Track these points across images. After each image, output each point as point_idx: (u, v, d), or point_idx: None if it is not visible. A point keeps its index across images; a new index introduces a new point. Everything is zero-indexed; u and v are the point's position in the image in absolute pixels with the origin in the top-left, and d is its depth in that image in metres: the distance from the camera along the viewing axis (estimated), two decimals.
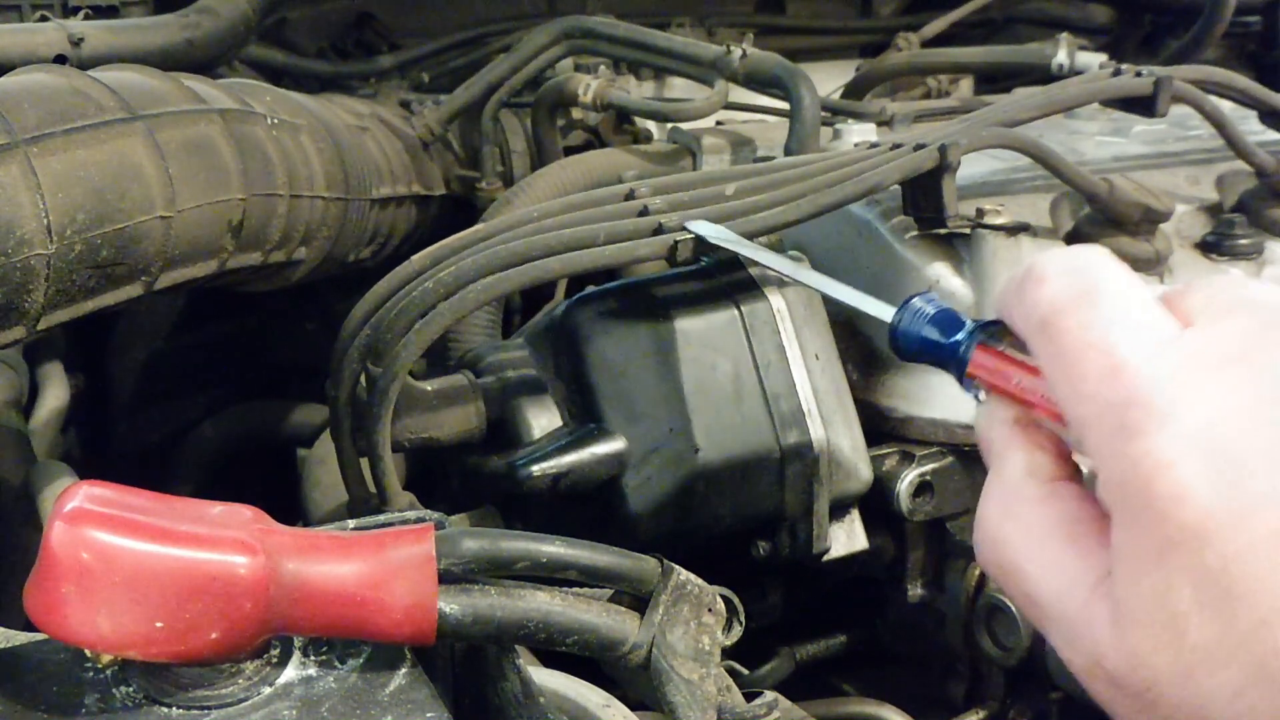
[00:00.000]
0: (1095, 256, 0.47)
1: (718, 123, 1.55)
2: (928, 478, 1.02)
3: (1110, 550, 0.43)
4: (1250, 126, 1.29)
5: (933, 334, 0.54)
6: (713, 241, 0.90)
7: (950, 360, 0.53)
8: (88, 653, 0.49)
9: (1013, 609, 0.98)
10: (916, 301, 0.55)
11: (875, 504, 1.02)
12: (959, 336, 0.53)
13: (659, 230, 0.92)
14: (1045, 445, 0.49)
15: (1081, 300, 0.45)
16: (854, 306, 0.65)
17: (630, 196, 0.98)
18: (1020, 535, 0.47)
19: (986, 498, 0.49)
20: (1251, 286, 0.46)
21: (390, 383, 0.87)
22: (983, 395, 0.53)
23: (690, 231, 0.92)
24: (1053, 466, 0.49)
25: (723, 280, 1.00)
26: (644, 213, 0.95)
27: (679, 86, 1.77)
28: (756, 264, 0.94)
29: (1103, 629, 0.43)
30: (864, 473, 1.00)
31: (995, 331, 0.52)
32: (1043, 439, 0.49)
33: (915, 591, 1.08)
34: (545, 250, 0.91)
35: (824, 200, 0.98)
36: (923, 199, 1.05)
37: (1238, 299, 0.45)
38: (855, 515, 1.02)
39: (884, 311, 0.58)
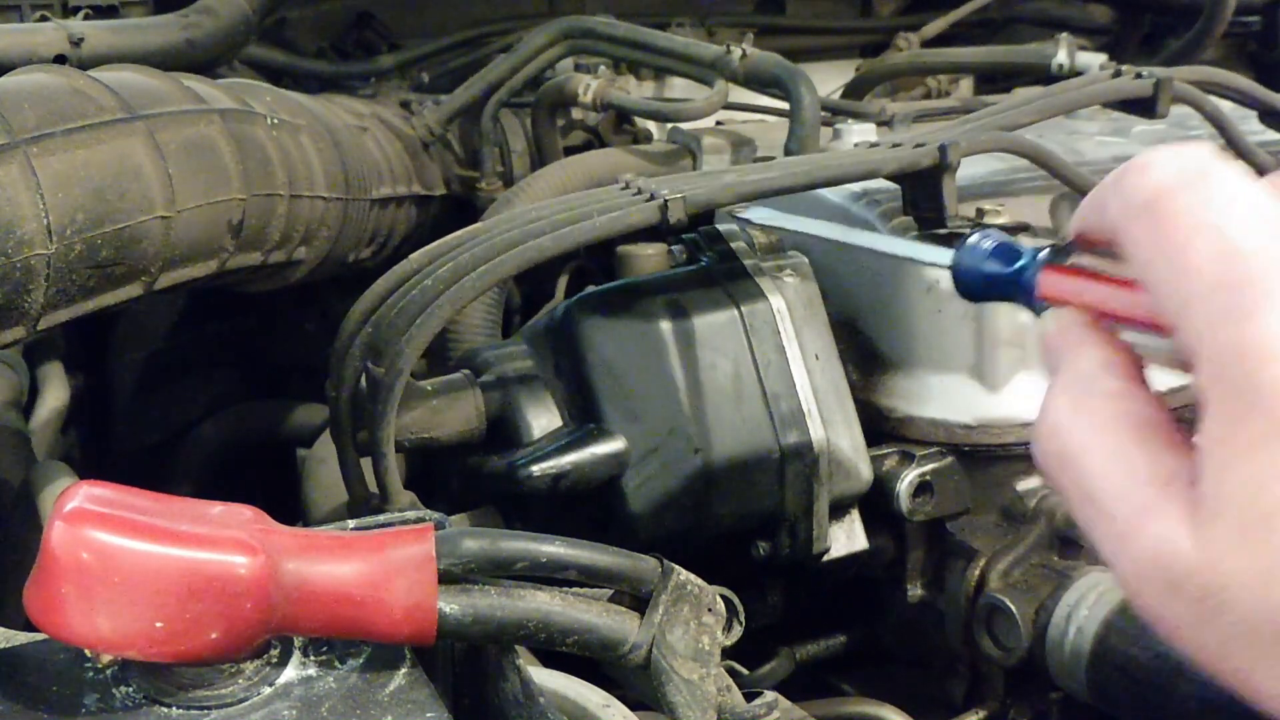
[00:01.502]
0: (1206, 149, 0.45)
1: (718, 123, 1.55)
2: (928, 478, 1.02)
3: (1197, 442, 0.41)
4: (1250, 126, 1.29)
5: (995, 266, 0.53)
6: (760, 223, 0.88)
7: (1017, 287, 0.52)
8: (88, 653, 0.49)
9: (1013, 609, 0.98)
10: (972, 239, 0.54)
11: (875, 504, 1.02)
12: (1022, 262, 0.52)
13: (651, 200, 0.92)
14: (1120, 347, 0.47)
15: (1194, 183, 0.43)
16: (911, 257, 0.64)
17: (625, 187, 0.98)
18: (1087, 425, 0.45)
19: (1054, 390, 0.47)
20: None
21: (394, 380, 0.86)
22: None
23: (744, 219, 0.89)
24: (1128, 366, 0.46)
25: (723, 280, 1.00)
26: (637, 194, 0.95)
27: (679, 86, 1.77)
28: (803, 233, 0.90)
29: (1172, 525, 0.40)
30: (864, 473, 1.00)
31: (1060, 253, 0.51)
32: (1118, 342, 0.47)
33: (915, 591, 1.08)
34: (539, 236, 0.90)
35: (820, 175, 0.98)
36: (923, 199, 1.05)
37: None
38: (855, 515, 1.02)
39: (942, 255, 0.57)
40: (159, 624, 0.47)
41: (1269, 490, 0.38)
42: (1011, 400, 1.05)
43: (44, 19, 1.24)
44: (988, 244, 0.54)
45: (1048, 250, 0.51)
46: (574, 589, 0.57)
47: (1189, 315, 0.42)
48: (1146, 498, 0.42)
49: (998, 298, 0.54)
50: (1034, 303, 0.52)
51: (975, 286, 0.55)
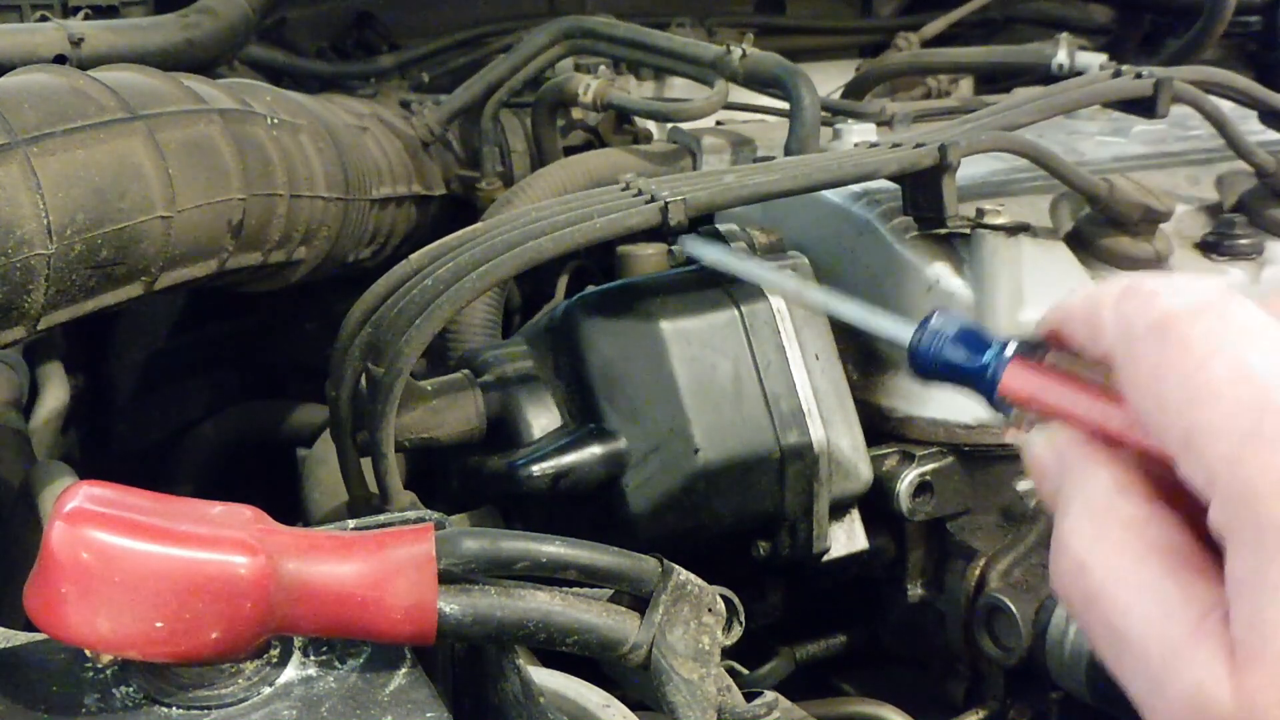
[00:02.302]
0: (1217, 282, 0.43)
1: (718, 123, 1.55)
2: (928, 478, 1.02)
3: (1226, 579, 0.39)
4: (1250, 126, 1.29)
5: (957, 353, 0.51)
6: (709, 264, 0.88)
7: (979, 379, 0.50)
8: (88, 653, 0.49)
9: (1013, 609, 0.98)
10: (937, 319, 0.51)
11: (875, 504, 1.02)
12: (987, 355, 0.49)
13: (651, 202, 0.92)
14: (1131, 462, 0.44)
15: (1207, 310, 0.41)
16: (867, 328, 0.60)
17: (625, 188, 0.98)
18: (1113, 559, 0.42)
19: (1068, 519, 0.44)
20: None
21: (394, 380, 0.86)
22: (1017, 421, 0.49)
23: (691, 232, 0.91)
24: (1146, 485, 0.43)
25: (723, 280, 1.00)
26: (637, 195, 0.95)
27: (679, 86, 1.77)
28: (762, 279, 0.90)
29: (1210, 668, 0.38)
30: (864, 473, 1.00)
31: (1029, 349, 0.49)
32: (1127, 456, 0.44)
33: (915, 591, 1.08)
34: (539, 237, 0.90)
35: (819, 177, 0.99)
36: (923, 199, 1.05)
37: None
38: (855, 515, 1.02)
39: (901, 332, 0.54)
40: (159, 624, 0.47)
41: None
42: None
43: (44, 19, 1.24)
44: (951, 327, 0.51)
45: (1016, 344, 0.49)
46: (574, 589, 0.57)
47: (1201, 443, 0.40)
48: (1181, 637, 0.39)
49: (956, 383, 0.51)
50: (994, 399, 0.49)
51: (931, 369, 0.51)
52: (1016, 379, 0.48)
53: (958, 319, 0.51)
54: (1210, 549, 0.41)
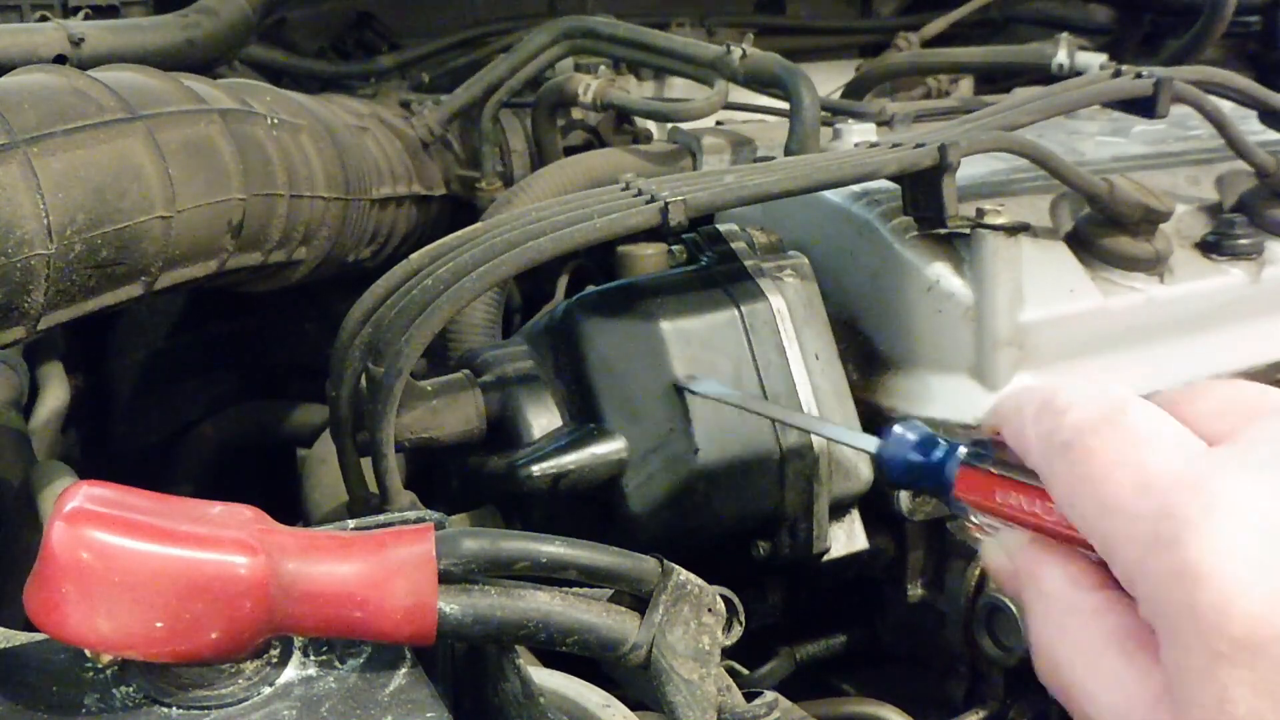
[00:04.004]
0: (1118, 386, 0.47)
1: (718, 123, 1.55)
2: (879, 468, 1.02)
3: (1164, 666, 0.42)
4: (1250, 126, 1.29)
5: (916, 458, 0.56)
6: (712, 398, 0.92)
7: (938, 481, 0.55)
8: (88, 653, 0.49)
9: (1013, 609, 0.98)
10: (898, 429, 0.57)
11: (875, 504, 1.02)
12: (940, 456, 0.55)
13: (651, 202, 0.92)
14: (1078, 556, 0.48)
15: (1108, 422, 0.45)
16: (837, 440, 0.71)
17: (625, 188, 0.98)
18: (1076, 653, 0.46)
19: (1034, 619, 0.48)
20: (1263, 392, 0.46)
21: (394, 380, 0.86)
22: (974, 517, 0.54)
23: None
24: (1096, 574, 0.47)
25: (723, 280, 1.00)
26: (637, 196, 0.95)
27: (679, 86, 1.77)
28: (754, 409, 0.94)
29: None
30: (864, 473, 1.00)
31: (979, 453, 0.53)
32: (1073, 550, 0.48)
33: (915, 591, 1.08)
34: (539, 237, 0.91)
35: (819, 177, 0.98)
36: (923, 199, 1.05)
37: (1255, 405, 0.45)
38: (855, 515, 1.02)
39: (868, 443, 0.60)
40: (159, 624, 0.47)
41: (1232, 708, 0.39)
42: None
43: (44, 19, 1.24)
44: (912, 435, 0.56)
45: (966, 450, 0.54)
46: (574, 589, 0.57)
47: (1119, 549, 0.43)
48: (1141, 718, 0.43)
49: (919, 487, 0.57)
50: (951, 500, 0.54)
51: (896, 473, 0.57)
52: (965, 484, 0.53)
53: (919, 427, 0.57)
54: None
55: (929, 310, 1.06)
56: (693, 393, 0.93)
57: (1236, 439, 0.44)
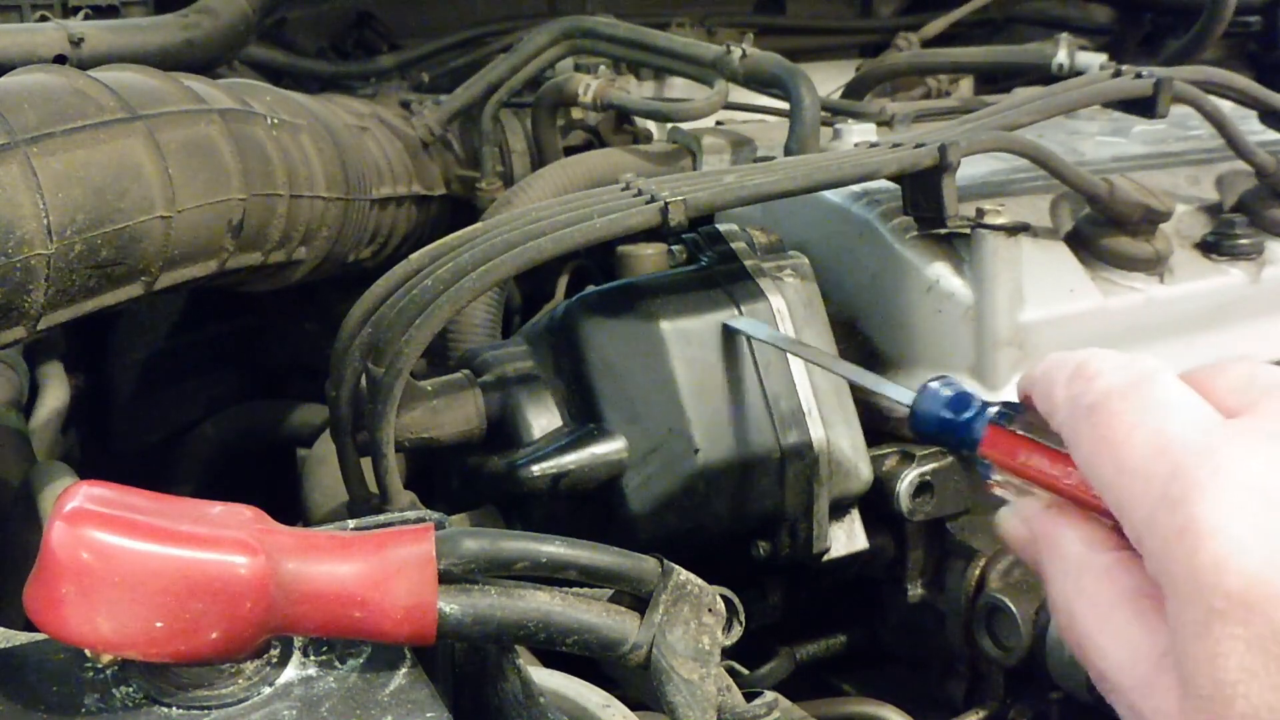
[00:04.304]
0: (1148, 358, 0.49)
1: (718, 123, 1.55)
2: (928, 478, 1.02)
3: (1168, 621, 0.44)
4: (1250, 126, 1.29)
5: (947, 414, 0.58)
6: (755, 338, 0.94)
7: (963, 439, 0.57)
8: (88, 653, 0.49)
9: (1013, 609, 0.98)
10: (933, 384, 0.59)
11: (875, 504, 1.02)
12: (970, 414, 0.57)
13: (651, 202, 0.92)
14: (1095, 518, 0.50)
15: (1134, 388, 0.47)
16: (875, 390, 0.71)
17: (625, 188, 0.98)
18: (1089, 609, 0.48)
19: (1051, 579, 0.51)
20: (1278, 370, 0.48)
21: (394, 380, 0.86)
22: (995, 475, 0.56)
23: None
24: (1111, 537, 0.49)
25: (723, 280, 1.00)
26: (637, 195, 0.95)
27: (679, 86, 1.77)
28: (798, 351, 0.96)
29: (1169, 700, 0.43)
30: (864, 473, 1.00)
31: (1007, 414, 0.55)
32: (1089, 515, 0.51)
33: (915, 591, 1.08)
34: (539, 237, 0.91)
35: (819, 177, 0.98)
36: (923, 199, 1.05)
37: (1272, 383, 0.47)
38: (855, 515, 1.02)
39: (903, 395, 0.62)
40: (159, 624, 0.47)
41: (1222, 663, 0.41)
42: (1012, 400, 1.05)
43: (44, 19, 1.24)
44: (947, 391, 0.58)
45: (996, 410, 0.56)
46: (574, 589, 0.57)
47: (1131, 508, 0.45)
48: (1145, 676, 0.45)
49: (947, 443, 0.58)
50: (975, 458, 0.56)
51: (928, 429, 0.59)
52: (992, 443, 0.55)
53: (954, 384, 0.59)
54: None
55: (929, 310, 1.06)
56: (738, 331, 0.94)
57: (1252, 413, 0.46)
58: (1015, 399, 0.56)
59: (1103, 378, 0.49)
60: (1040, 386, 0.52)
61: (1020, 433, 0.54)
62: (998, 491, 0.57)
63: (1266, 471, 0.42)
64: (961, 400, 0.58)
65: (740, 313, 0.98)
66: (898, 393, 0.64)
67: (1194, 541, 0.42)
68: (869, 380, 0.75)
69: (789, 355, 0.98)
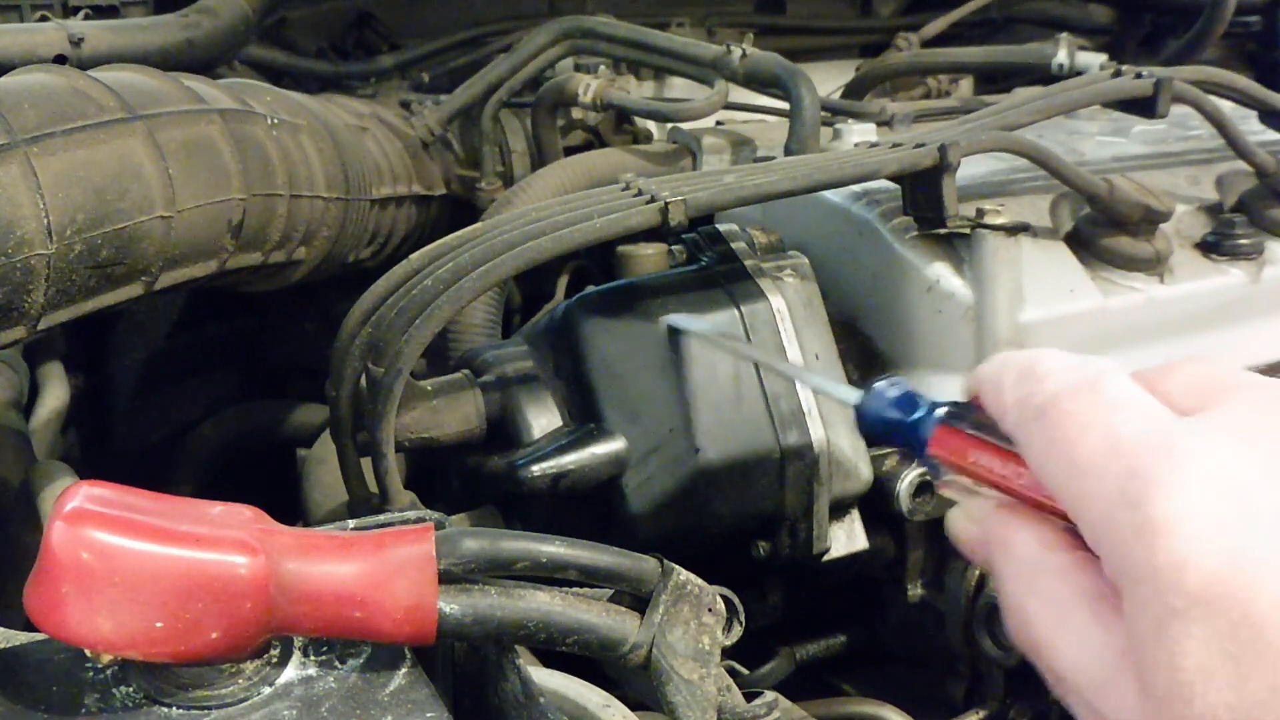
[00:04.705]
0: (1097, 358, 0.49)
1: (718, 123, 1.55)
2: (928, 477, 1.02)
3: (1126, 623, 0.43)
4: (1250, 126, 1.29)
5: (894, 414, 0.57)
6: (701, 335, 0.93)
7: (912, 438, 0.56)
8: (88, 653, 0.49)
9: None
10: (879, 384, 0.59)
11: (875, 504, 1.02)
12: (918, 414, 0.56)
13: (651, 202, 0.92)
14: (1048, 519, 0.49)
15: (1085, 389, 0.47)
16: (821, 390, 0.73)
17: (626, 188, 0.98)
18: (1044, 610, 0.47)
19: (1004, 580, 0.50)
20: (1234, 369, 0.48)
21: (394, 380, 0.86)
22: (945, 476, 0.55)
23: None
24: (1064, 537, 0.48)
25: (723, 280, 1.00)
26: (637, 196, 0.95)
27: (679, 86, 1.77)
28: (739, 351, 0.96)
29: (1127, 700, 0.43)
30: (864, 473, 1.00)
31: (956, 414, 0.55)
32: (1041, 515, 0.50)
33: (915, 591, 1.08)
34: (539, 236, 0.91)
35: (819, 177, 0.98)
36: (923, 199, 1.05)
37: (1227, 382, 0.46)
38: (855, 515, 1.02)
39: (850, 395, 0.62)
40: (159, 624, 0.47)
41: (1181, 662, 0.40)
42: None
43: (44, 19, 1.24)
44: (893, 391, 0.58)
45: (945, 410, 0.55)
46: (574, 589, 0.57)
47: (1087, 508, 0.45)
48: (1104, 676, 0.44)
49: (896, 443, 0.59)
50: (924, 456, 0.55)
51: (875, 429, 0.59)
52: (941, 443, 0.55)
53: (901, 384, 0.59)
54: None
55: (929, 310, 1.06)
56: (682, 330, 0.94)
57: (1208, 410, 0.45)
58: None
59: (1052, 378, 0.48)
60: (988, 387, 0.52)
61: (970, 432, 0.53)
62: (946, 493, 0.56)
63: (1224, 469, 0.42)
64: (908, 400, 0.57)
65: (740, 313, 0.98)
66: (844, 393, 0.63)
67: (1152, 540, 0.41)
68: (814, 381, 0.75)
69: (789, 355, 0.98)
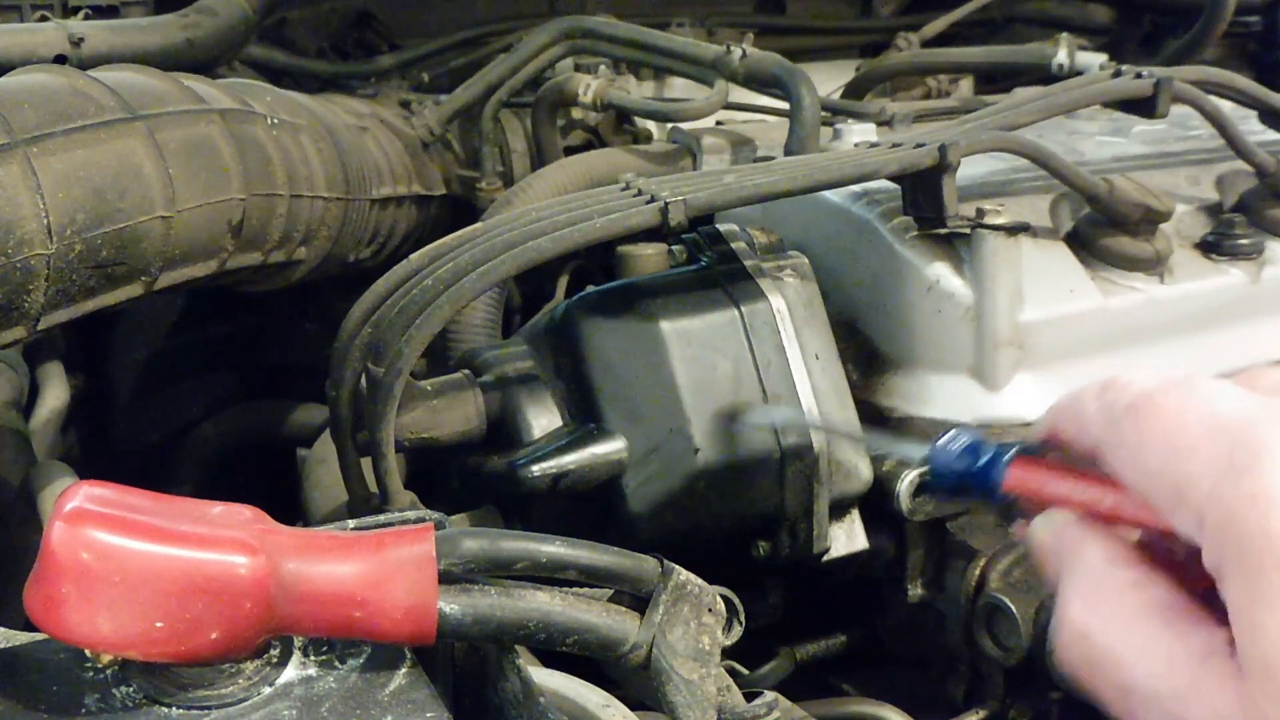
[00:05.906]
0: (1189, 372, 0.49)
1: (718, 123, 1.55)
2: (928, 477, 1.02)
3: (1228, 610, 0.42)
4: (1250, 126, 1.29)
5: (963, 463, 0.57)
6: (776, 428, 0.95)
7: (984, 484, 0.56)
8: (88, 653, 0.49)
9: (1013, 609, 0.98)
10: (945, 437, 0.59)
11: (875, 504, 1.02)
12: (987, 458, 0.56)
13: (651, 202, 0.92)
14: (1120, 535, 0.49)
15: (1174, 385, 0.47)
16: (892, 453, 0.76)
17: (625, 188, 0.98)
18: (1111, 623, 0.46)
19: (1068, 594, 0.49)
20: None
21: (394, 380, 0.86)
22: (1021, 519, 0.55)
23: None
24: (1135, 553, 0.48)
25: (723, 280, 1.00)
26: (637, 196, 0.95)
27: (679, 86, 1.77)
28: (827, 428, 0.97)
29: (1218, 698, 0.42)
30: (864, 473, 1.00)
31: (1027, 449, 0.55)
32: (1116, 530, 0.50)
33: (915, 591, 1.07)
34: (539, 236, 0.91)
35: (819, 177, 0.98)
36: (923, 199, 1.05)
37: None
38: (855, 515, 1.02)
39: (917, 451, 0.63)
40: (159, 624, 0.47)
41: None
42: (1012, 400, 1.05)
43: (44, 19, 1.24)
44: (960, 441, 0.58)
45: (1016, 448, 0.56)
46: (574, 589, 0.57)
47: (1186, 492, 0.44)
48: (1187, 678, 0.43)
49: (969, 492, 0.58)
50: (999, 498, 0.55)
51: (947, 480, 0.58)
52: (1016, 479, 0.55)
53: (970, 432, 0.58)
54: (1207, 604, 0.45)
55: (929, 310, 1.06)
56: (752, 425, 0.94)
57: None
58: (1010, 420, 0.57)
59: (1137, 384, 0.48)
60: (1067, 409, 0.52)
61: (1045, 461, 0.54)
62: (1024, 536, 0.56)
63: None
64: (975, 448, 0.57)
65: (740, 313, 0.98)
66: (911, 451, 0.65)
67: (1266, 507, 0.40)
68: (883, 442, 0.75)
69: (789, 355, 0.98)
